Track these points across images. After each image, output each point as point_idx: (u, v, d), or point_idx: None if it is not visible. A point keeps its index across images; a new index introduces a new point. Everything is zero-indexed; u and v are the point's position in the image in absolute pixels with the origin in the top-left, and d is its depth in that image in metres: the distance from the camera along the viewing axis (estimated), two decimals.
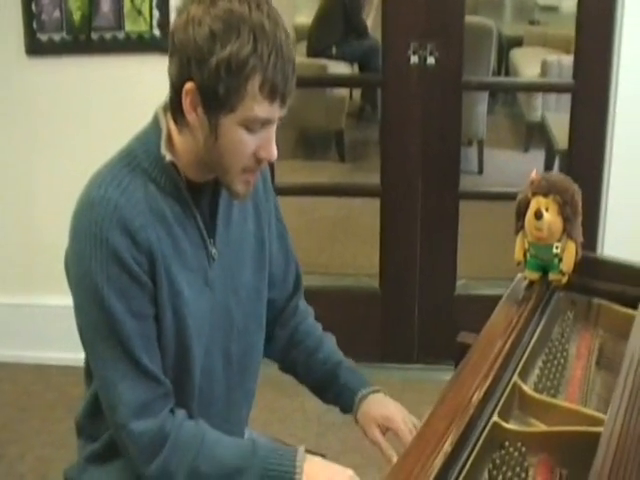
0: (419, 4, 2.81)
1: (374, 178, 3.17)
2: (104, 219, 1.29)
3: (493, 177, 5.03)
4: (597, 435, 1.25)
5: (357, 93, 6.32)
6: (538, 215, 1.56)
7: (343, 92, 5.50)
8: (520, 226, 1.63)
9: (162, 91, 2.82)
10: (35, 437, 2.78)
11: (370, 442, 1.58)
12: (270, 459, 1.35)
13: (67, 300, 1.37)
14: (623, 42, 2.65)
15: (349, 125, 5.69)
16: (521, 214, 1.62)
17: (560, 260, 1.60)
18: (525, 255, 1.64)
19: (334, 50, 5.72)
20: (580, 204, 1.59)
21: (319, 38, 5.75)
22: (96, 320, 1.32)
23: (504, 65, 6.26)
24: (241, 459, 1.35)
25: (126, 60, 2.86)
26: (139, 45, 2.85)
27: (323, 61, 5.43)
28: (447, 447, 1.19)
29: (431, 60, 2.85)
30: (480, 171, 5.07)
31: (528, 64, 5.53)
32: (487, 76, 4.80)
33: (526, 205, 1.61)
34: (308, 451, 1.78)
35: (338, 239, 4.43)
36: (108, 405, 1.35)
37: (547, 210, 1.57)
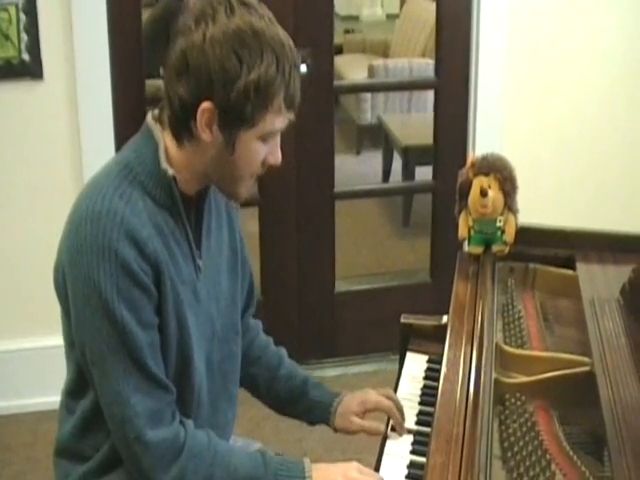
0: (287, 13, 2.91)
1: None
2: (112, 231, 1.29)
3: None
4: (581, 374, 1.43)
5: None
6: (483, 193, 1.72)
7: None
8: (463, 205, 1.79)
9: (35, 117, 2.79)
10: None
11: (359, 432, 1.62)
12: (281, 470, 1.41)
13: None
14: (481, 40, 2.90)
15: None
16: (463, 195, 1.78)
17: (503, 232, 1.77)
18: (469, 232, 1.80)
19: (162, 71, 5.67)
20: (516, 179, 1.77)
21: (147, 60, 5.69)
22: (105, 334, 1.31)
23: None
24: (253, 469, 1.40)
25: None
26: (8, 71, 2.75)
27: (159, 81, 5.36)
28: (470, 409, 1.31)
29: (303, 68, 2.96)
30: None
31: (352, 69, 5.80)
32: None
33: (468, 186, 1.77)
34: None
35: None
36: (120, 420, 1.34)
37: (490, 187, 1.74)
